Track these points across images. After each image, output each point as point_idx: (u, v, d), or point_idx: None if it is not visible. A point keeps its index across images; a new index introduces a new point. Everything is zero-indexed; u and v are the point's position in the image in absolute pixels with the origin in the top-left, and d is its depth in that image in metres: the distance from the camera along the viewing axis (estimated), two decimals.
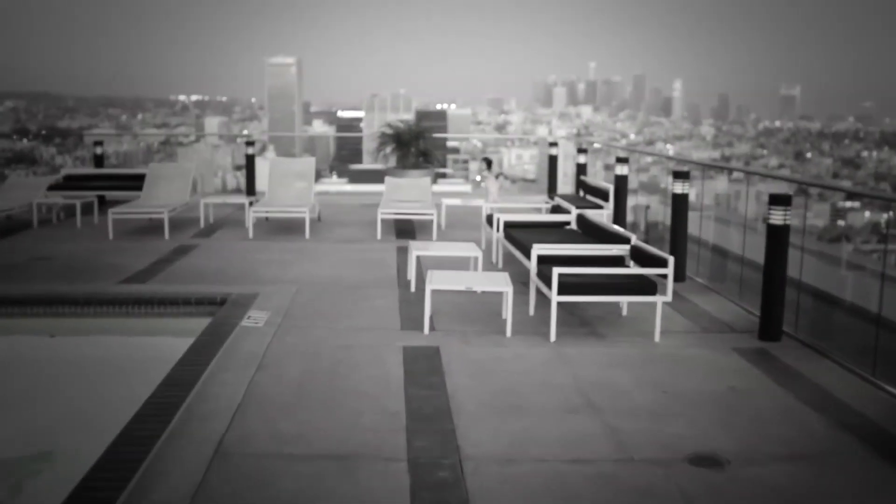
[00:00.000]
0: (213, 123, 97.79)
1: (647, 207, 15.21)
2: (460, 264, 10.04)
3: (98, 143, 17.00)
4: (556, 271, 7.65)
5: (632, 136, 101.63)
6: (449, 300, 8.73)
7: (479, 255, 9.47)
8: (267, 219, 13.64)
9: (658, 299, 7.80)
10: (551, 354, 7.35)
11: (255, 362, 6.96)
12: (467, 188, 18.40)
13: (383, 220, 12.92)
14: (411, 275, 9.63)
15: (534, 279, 8.47)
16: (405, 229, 13.39)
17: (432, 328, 7.96)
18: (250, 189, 16.37)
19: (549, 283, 7.86)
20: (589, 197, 13.85)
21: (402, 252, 11.63)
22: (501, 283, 8.04)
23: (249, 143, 16.65)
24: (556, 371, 6.93)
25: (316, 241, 12.49)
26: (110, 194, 15.62)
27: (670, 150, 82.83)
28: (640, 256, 8.48)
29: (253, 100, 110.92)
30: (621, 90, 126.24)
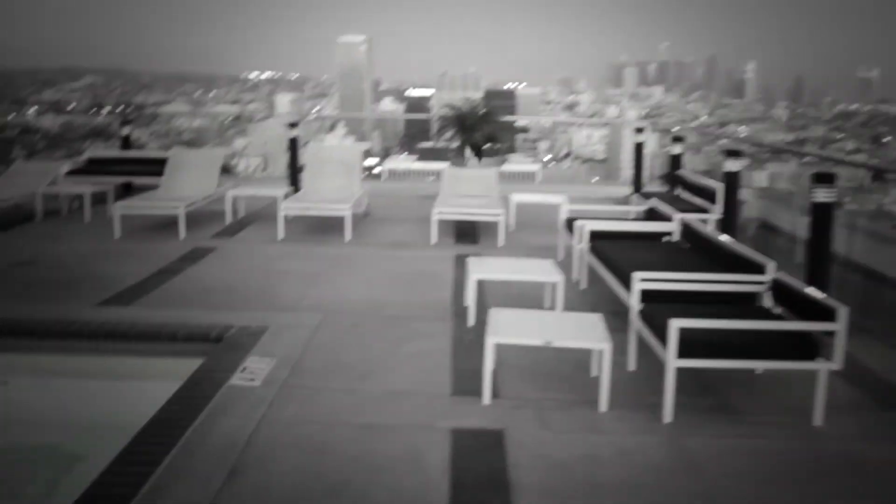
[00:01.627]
0: (284, 100, 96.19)
1: (742, 203, 12.57)
2: (535, 292, 7.61)
3: (126, 123, 14.77)
4: (676, 325, 5.15)
5: (703, 118, 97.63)
6: (513, 323, 6.27)
7: (560, 280, 6.99)
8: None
9: (822, 366, 5.26)
10: (669, 451, 4.86)
11: (229, 461, 4.58)
12: (535, 167, 15.87)
13: (440, 220, 10.48)
14: (470, 300, 7.19)
15: (637, 324, 6.00)
16: (466, 231, 10.93)
17: (495, 394, 5.54)
18: (293, 179, 14.00)
19: (660, 335, 5.40)
20: (684, 195, 11.25)
21: (461, 262, 9.20)
22: (595, 333, 5.55)
23: (292, 125, 14.26)
24: (680, 487, 4.46)
25: (357, 245, 10.11)
26: (138, 180, 13.44)
27: (742, 132, 79.01)
28: (785, 296, 5.93)
29: (324, 77, 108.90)
30: (693, 71, 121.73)
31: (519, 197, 11.39)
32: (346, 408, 5.34)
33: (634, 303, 6.11)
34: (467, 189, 11.39)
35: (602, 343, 5.35)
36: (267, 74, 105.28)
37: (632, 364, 6.08)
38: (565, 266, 8.26)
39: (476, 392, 5.52)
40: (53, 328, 6.70)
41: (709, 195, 10.18)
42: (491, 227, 10.72)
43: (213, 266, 9.05)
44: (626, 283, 6.65)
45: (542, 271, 7.18)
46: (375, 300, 7.77)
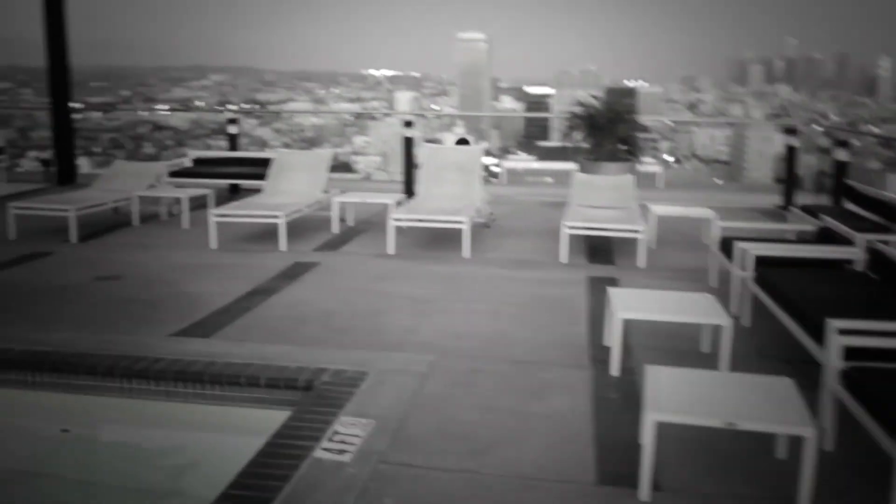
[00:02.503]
0: (404, 98, 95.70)
1: None
2: (691, 334, 6.17)
3: (232, 122, 13.82)
4: None
5: (833, 118, 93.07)
6: (678, 390, 4.85)
7: (727, 324, 5.53)
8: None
9: None
10: None
11: None
12: (657, 169, 14.26)
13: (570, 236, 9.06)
14: (614, 344, 5.80)
15: (836, 389, 4.53)
16: (600, 247, 9.49)
17: (656, 485, 4.15)
18: (408, 183, 12.76)
19: (880, 414, 3.95)
20: (854, 208, 9.57)
21: (596, 287, 7.82)
22: (792, 410, 4.06)
23: (407, 124, 13.05)
24: None
25: (477, 263, 8.80)
26: (246, 182, 12.47)
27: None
28: None
29: (443, 75, 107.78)
30: (822, 68, 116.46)
31: (660, 210, 9.88)
32: (458, 500, 4.04)
33: (832, 361, 4.64)
34: (601, 199, 9.95)
35: (803, 427, 3.91)
36: (387, 72, 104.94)
37: (830, 442, 4.61)
38: (721, 296, 6.76)
39: (628, 479, 4.15)
40: (117, 366, 5.59)
41: (890, 212, 8.51)
42: (628, 244, 9.27)
43: (312, 286, 7.87)
44: (811, 327, 5.19)
45: (701, 309, 5.72)
46: (497, 336, 6.44)
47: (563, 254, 8.84)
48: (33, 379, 5.69)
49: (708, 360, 5.78)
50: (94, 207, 10.02)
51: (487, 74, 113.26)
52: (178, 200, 11.02)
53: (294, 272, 8.32)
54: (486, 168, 16.75)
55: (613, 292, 6.05)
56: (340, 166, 11.54)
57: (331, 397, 5.11)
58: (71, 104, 14.27)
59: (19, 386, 5.70)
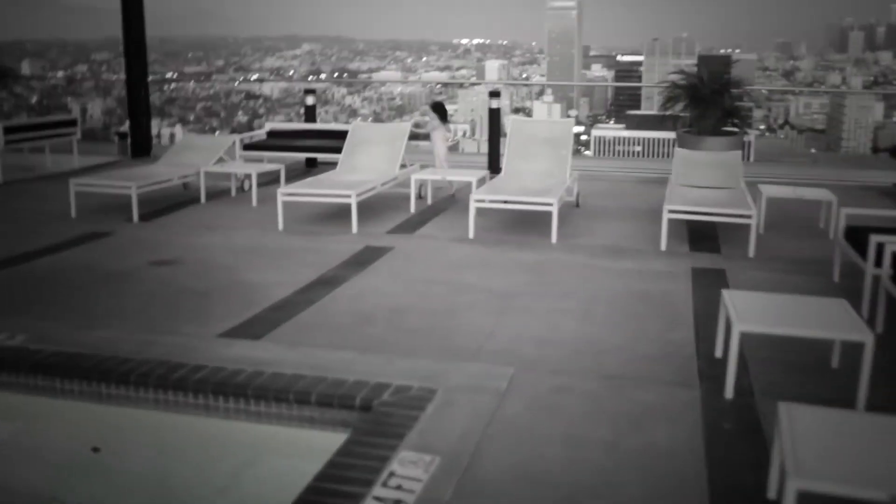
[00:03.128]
0: (493, 67, 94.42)
1: None
2: (818, 344, 5.15)
3: (309, 92, 13.04)
4: None
5: None
6: (824, 444, 3.85)
7: (869, 340, 4.50)
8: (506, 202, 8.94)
9: None
10: None
11: None
12: (748, 138, 13.05)
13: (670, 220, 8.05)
14: (730, 360, 4.82)
15: None
16: (703, 233, 8.45)
17: None
18: (493, 159, 11.83)
19: None
20: None
21: (701, 280, 6.84)
22: None
23: (493, 94, 12.10)
24: None
25: (565, 250, 7.87)
26: (323, 156, 11.71)
27: None
28: None
29: (533, 43, 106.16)
30: None
31: (771, 190, 8.77)
32: None
33: None
34: (705, 178, 8.89)
35: None
36: (477, 41, 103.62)
37: None
38: (847, 293, 5.69)
39: None
40: (152, 374, 4.85)
41: None
42: (734, 228, 8.21)
43: (383, 276, 7.04)
44: None
45: (835, 320, 4.70)
46: (587, 343, 5.52)
47: (663, 241, 7.84)
48: (62, 386, 4.99)
49: (841, 380, 4.78)
50: (157, 184, 9.35)
51: (577, 42, 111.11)
52: (248, 176, 10.31)
53: (364, 258, 7.51)
54: (577, 137, 15.70)
55: (729, 297, 5.06)
56: (427, 135, 10.66)
57: (392, 422, 4.27)
58: (149, 76, 13.69)
59: (48, 394, 5.02)
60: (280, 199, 8.54)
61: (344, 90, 78.51)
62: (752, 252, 7.63)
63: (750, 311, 4.81)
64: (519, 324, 5.86)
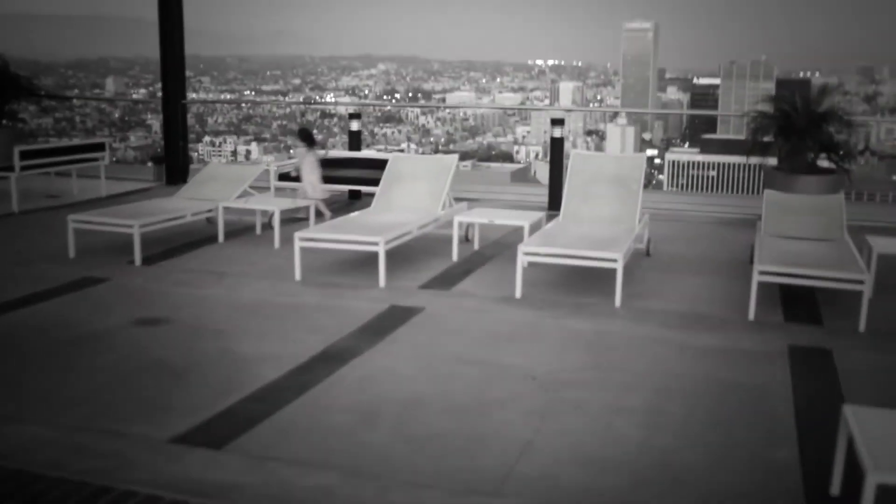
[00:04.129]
0: (567, 88, 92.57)
1: None
2: None
3: (354, 116, 11.73)
4: None
5: None
6: None
7: None
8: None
9: None
10: None
11: None
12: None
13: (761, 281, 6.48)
14: (846, 491, 3.32)
15: None
16: (799, 295, 6.86)
17: None
18: (554, 196, 10.33)
19: None
20: None
21: (801, 365, 5.32)
22: None
23: (556, 122, 10.63)
24: None
25: (631, 317, 6.34)
26: (368, 189, 10.37)
27: None
28: None
29: (608, 65, 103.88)
30: None
31: (883, 245, 7.14)
32: None
33: None
34: (801, 227, 7.30)
35: None
36: (552, 62, 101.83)
37: None
38: None
39: None
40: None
41: None
42: (839, 295, 6.62)
43: (402, 350, 5.63)
44: None
45: None
46: (656, 465, 4.02)
47: (751, 309, 6.30)
48: None
49: None
50: (166, 222, 8.11)
51: (653, 65, 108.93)
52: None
53: (386, 323, 6.12)
54: (650, 161, 14.14)
55: (855, 420, 3.53)
56: (500, 156, 9.30)
57: None
58: (186, 97, 12.57)
59: None
60: (297, 244, 7.21)
61: (417, 110, 77.54)
62: (862, 325, 6.05)
63: (889, 450, 3.28)
64: (566, 431, 4.40)
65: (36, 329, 6.05)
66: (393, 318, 6.23)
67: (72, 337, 5.84)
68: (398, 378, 5.11)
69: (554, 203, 10.09)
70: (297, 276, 7.25)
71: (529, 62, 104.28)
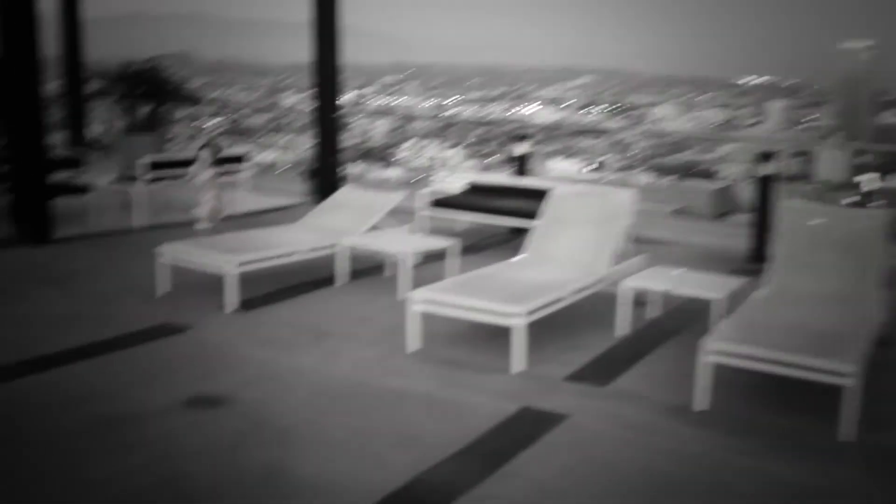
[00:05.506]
0: (775, 107, 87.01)
1: None
2: None
3: (521, 138, 9.89)
4: None
5: None
6: None
7: None
8: None
9: None
10: None
11: None
12: None
13: None
14: None
15: None
16: None
17: None
18: (758, 251, 8.13)
19: None
20: None
21: None
22: None
23: (764, 157, 8.42)
24: None
25: (858, 459, 4.30)
26: (532, 223, 8.57)
27: None
28: None
29: (820, 84, 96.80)
30: None
31: None
32: None
33: None
34: None
35: None
36: (760, 79, 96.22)
37: None
38: None
39: None
40: None
41: None
42: None
43: (524, 498, 3.81)
44: None
45: None
46: None
47: None
48: None
49: None
50: (272, 260, 6.60)
51: (869, 86, 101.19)
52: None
53: (507, 441, 4.30)
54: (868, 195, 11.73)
55: None
56: (699, 173, 7.44)
57: None
58: (337, 108, 11.16)
59: None
60: (412, 307, 5.50)
61: (621, 124, 74.57)
62: None
63: None
64: None
65: (67, 397, 4.65)
66: (519, 433, 4.39)
67: (98, 416, 4.39)
68: None
69: (757, 256, 7.96)
70: (412, 345, 5.54)
71: (736, 79, 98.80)
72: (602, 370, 5.35)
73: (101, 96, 12.51)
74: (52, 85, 12.46)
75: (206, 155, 8.32)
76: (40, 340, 5.61)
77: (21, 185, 8.39)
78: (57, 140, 12.59)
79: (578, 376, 5.22)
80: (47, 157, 8.78)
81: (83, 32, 12.83)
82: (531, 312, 5.24)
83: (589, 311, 6.32)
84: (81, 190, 9.26)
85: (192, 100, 11.89)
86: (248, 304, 6.40)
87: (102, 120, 13.26)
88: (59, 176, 9.32)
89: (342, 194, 8.13)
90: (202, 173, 8.30)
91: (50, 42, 10.16)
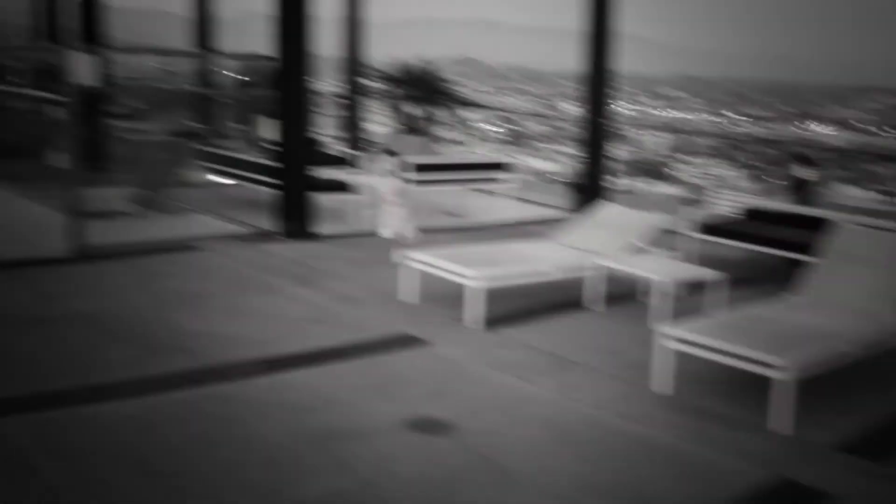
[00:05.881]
0: None
1: None
2: None
3: (803, 160, 8.90)
4: None
5: None
6: None
7: None
8: None
9: None
10: None
11: None
12: None
13: None
14: None
15: None
16: None
17: None
18: None
19: None
20: None
21: None
22: None
23: None
24: None
25: None
26: (807, 258, 7.69)
27: None
28: None
29: None
30: None
31: None
32: None
33: None
34: None
35: None
36: None
37: None
38: None
39: None
40: None
41: None
42: None
43: None
44: None
45: None
46: None
47: None
48: None
49: None
50: (519, 278, 6.24)
51: None
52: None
53: None
54: None
55: None
56: None
57: None
58: (606, 116, 10.65)
59: None
60: (664, 343, 4.93)
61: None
62: None
63: None
64: None
65: (293, 404, 4.53)
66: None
67: (319, 428, 4.22)
68: None
69: None
70: (661, 386, 4.98)
71: None
72: (881, 442, 4.54)
73: (378, 97, 12.77)
74: (330, 85, 12.88)
75: (386, 164, 8.09)
76: (280, 340, 5.59)
77: (289, 182, 8.60)
78: (332, 138, 13.00)
79: (851, 444, 4.44)
80: (317, 155, 8.96)
81: (362, 35, 13.15)
82: (800, 367, 4.52)
83: (870, 367, 5.45)
84: (348, 188, 9.38)
85: (467, 104, 11.84)
86: (489, 322, 6.10)
87: (378, 121, 13.57)
88: (329, 174, 9.50)
89: (602, 211, 7.64)
90: (384, 184, 8.08)
91: (331, 43, 10.42)
